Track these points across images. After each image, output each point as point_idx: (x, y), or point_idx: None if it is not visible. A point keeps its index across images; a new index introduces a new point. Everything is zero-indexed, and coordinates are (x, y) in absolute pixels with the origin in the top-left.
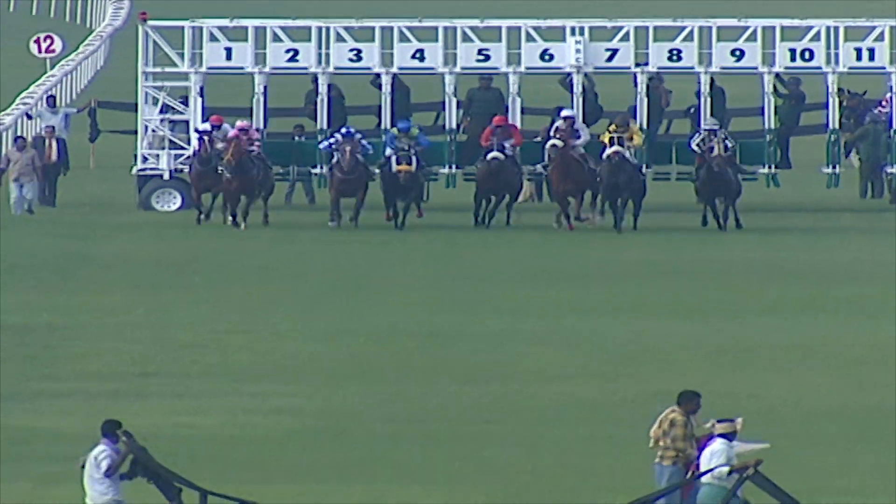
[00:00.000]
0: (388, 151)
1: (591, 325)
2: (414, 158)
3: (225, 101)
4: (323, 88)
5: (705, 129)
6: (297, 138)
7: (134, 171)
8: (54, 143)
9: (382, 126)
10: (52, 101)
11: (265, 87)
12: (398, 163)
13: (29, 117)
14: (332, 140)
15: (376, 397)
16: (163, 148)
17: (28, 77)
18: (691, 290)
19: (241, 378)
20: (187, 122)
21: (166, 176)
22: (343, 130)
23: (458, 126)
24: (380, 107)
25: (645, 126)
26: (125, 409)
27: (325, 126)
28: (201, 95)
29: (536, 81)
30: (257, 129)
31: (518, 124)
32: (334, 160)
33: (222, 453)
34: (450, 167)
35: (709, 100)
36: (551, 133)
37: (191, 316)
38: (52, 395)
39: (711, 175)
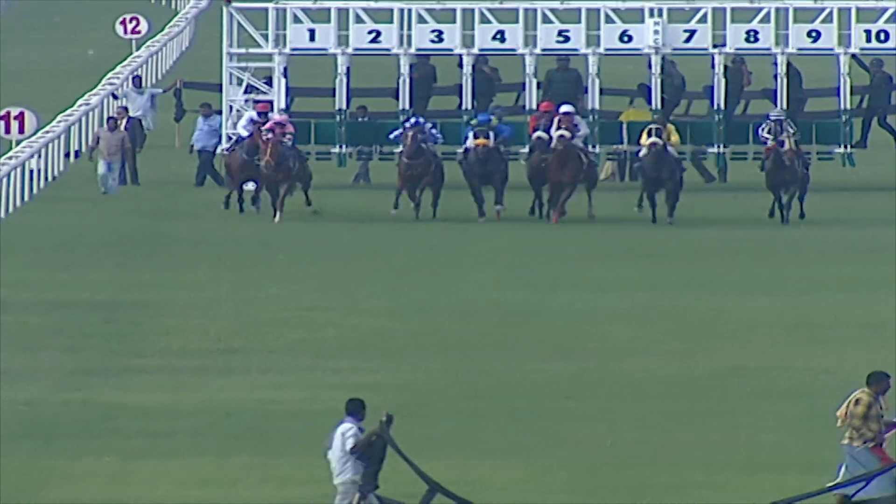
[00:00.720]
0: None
1: (668, 302)
2: (492, 136)
3: (308, 82)
4: (405, 69)
5: (772, 119)
6: (360, 119)
7: (219, 150)
8: (124, 123)
9: (463, 106)
10: (137, 81)
11: (348, 68)
12: (476, 137)
13: (115, 97)
14: (399, 130)
15: (457, 373)
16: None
17: (114, 58)
18: (767, 267)
19: (325, 354)
20: (271, 103)
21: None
22: (412, 119)
23: (537, 107)
24: (460, 86)
25: (722, 106)
26: (209, 384)
27: (406, 106)
28: (285, 76)
29: (615, 63)
30: (289, 118)
31: (597, 105)
32: (400, 148)
33: (305, 428)
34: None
35: (785, 80)
36: (553, 129)
37: (274, 293)
38: (138, 371)
39: (780, 167)
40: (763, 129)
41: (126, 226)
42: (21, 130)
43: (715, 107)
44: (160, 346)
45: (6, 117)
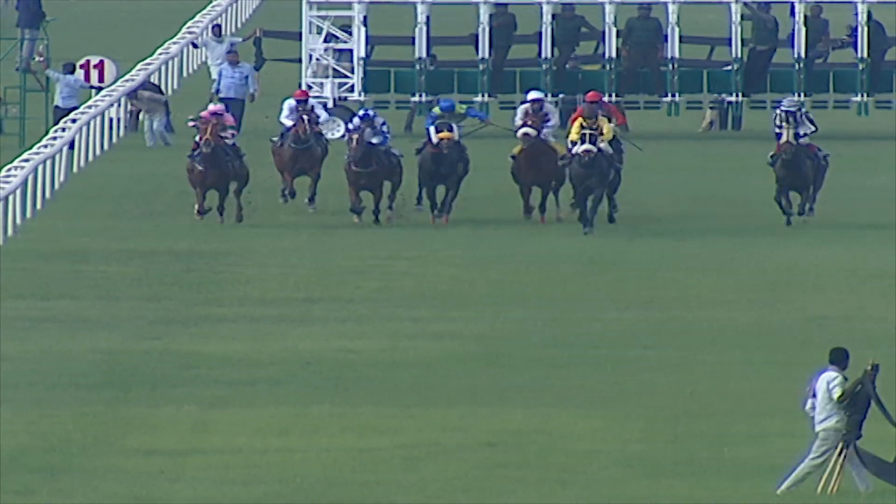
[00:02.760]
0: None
1: (748, 251)
2: (457, 130)
3: (387, 31)
4: (484, 17)
5: (783, 110)
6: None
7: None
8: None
9: (543, 55)
10: (217, 30)
11: (427, 17)
12: (438, 131)
13: (195, 46)
14: (348, 125)
15: (536, 322)
16: (327, 76)
17: (194, 7)
18: (847, 215)
19: (404, 303)
20: (351, 51)
21: (330, 104)
22: (360, 112)
23: (617, 55)
24: (540, 35)
25: (803, 55)
26: (289, 333)
27: (486, 55)
28: (365, 25)
29: (695, 11)
30: (232, 114)
31: (677, 54)
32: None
33: (385, 378)
34: (610, 95)
35: (865, 30)
36: (518, 117)
37: (354, 242)
38: (217, 320)
39: (783, 164)
40: (775, 121)
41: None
42: (101, 79)
43: (795, 56)
44: (239, 295)
45: (86, 66)
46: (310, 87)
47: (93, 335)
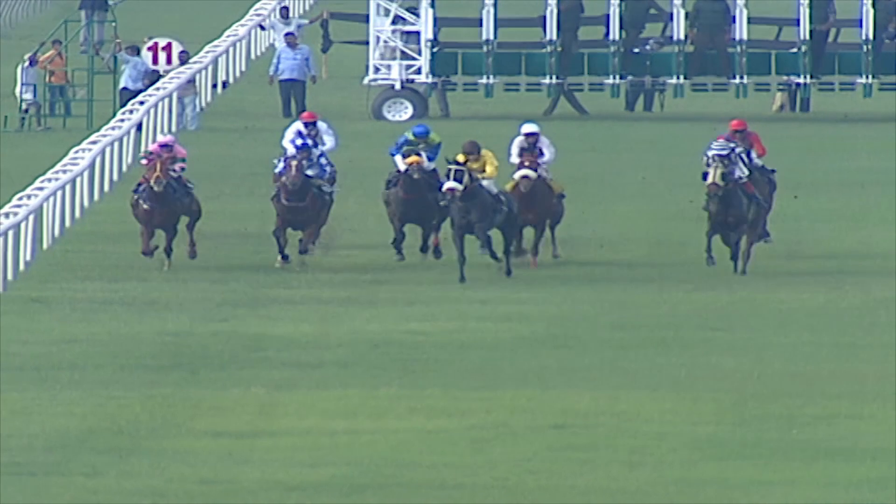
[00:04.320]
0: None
1: (817, 233)
2: (426, 158)
3: (455, 12)
4: (552, 0)
5: (714, 155)
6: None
7: (366, 81)
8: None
9: (611, 37)
10: (285, 12)
11: None
12: (405, 157)
13: (262, 28)
14: (283, 157)
15: (604, 304)
16: (394, 58)
17: None
18: None
19: (472, 285)
20: (418, 33)
21: (398, 86)
22: (298, 142)
23: (685, 37)
24: (608, 17)
25: (871, 36)
26: (357, 315)
27: (554, 37)
28: (432, 6)
29: None
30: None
31: (744, 35)
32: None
33: (453, 359)
34: (677, 77)
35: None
36: (513, 152)
37: None
38: (285, 302)
39: (716, 206)
40: (704, 163)
41: (274, 155)
42: (168, 61)
43: (864, 37)
44: (307, 277)
45: (154, 48)
46: (377, 70)
47: (161, 317)
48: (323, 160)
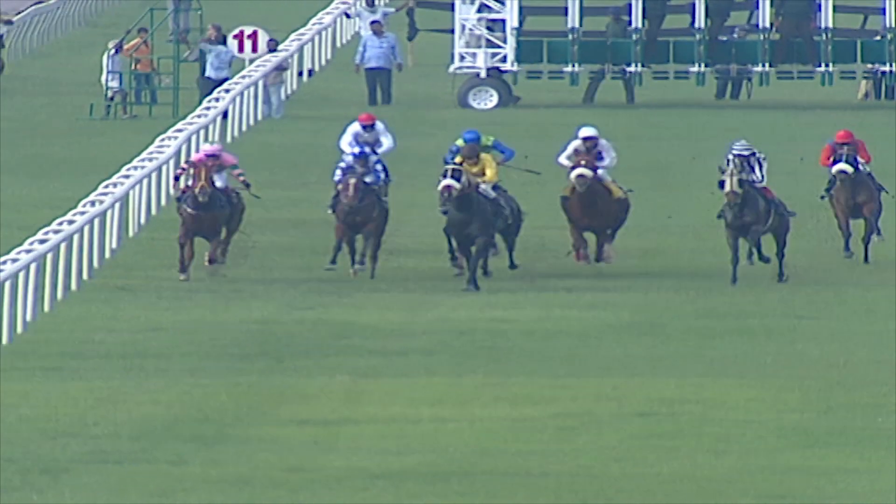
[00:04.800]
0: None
1: None
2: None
3: (540, 1)
4: None
5: (734, 155)
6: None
7: (451, 69)
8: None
9: (697, 25)
10: (371, 0)
11: None
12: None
13: (348, 16)
14: (341, 164)
15: (689, 292)
16: (479, 46)
17: None
18: None
19: (557, 274)
20: (504, 21)
21: (483, 74)
22: (356, 150)
23: (770, 25)
24: (693, 5)
25: (893, 25)
26: (443, 303)
27: (639, 24)
28: None
29: None
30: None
31: (830, 23)
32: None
33: (538, 347)
34: (763, 65)
35: None
36: (566, 157)
37: None
38: (370, 290)
39: (731, 214)
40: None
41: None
42: (254, 49)
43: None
44: (393, 265)
45: (240, 36)
46: (462, 58)
47: (246, 305)
48: (378, 166)
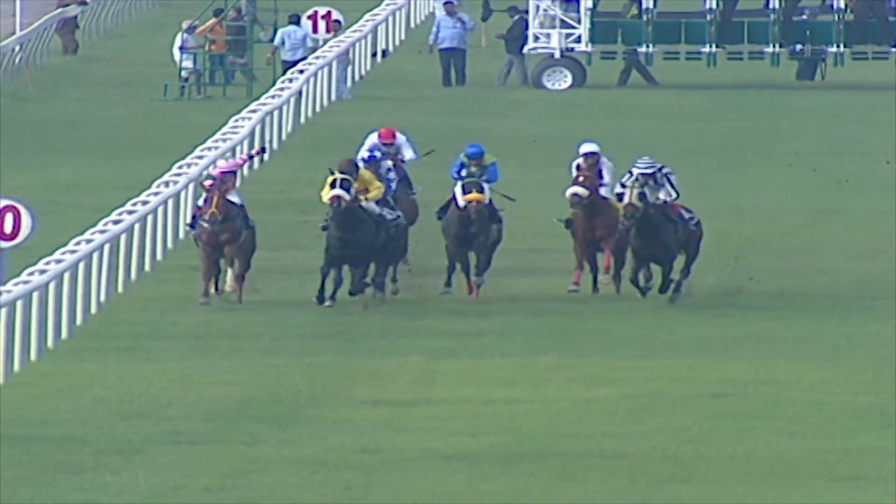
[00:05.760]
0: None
1: None
2: (487, 190)
3: None
4: None
5: (637, 173)
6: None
7: (525, 49)
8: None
9: (771, 6)
10: None
11: None
12: (465, 191)
13: None
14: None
15: (763, 274)
16: (553, 27)
17: None
18: None
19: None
20: (578, 2)
21: (557, 55)
22: (365, 154)
23: (845, 7)
24: None
25: None
26: (516, 285)
27: (713, 6)
28: None
29: None
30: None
31: None
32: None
33: (612, 328)
34: (837, 46)
35: None
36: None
37: None
38: (443, 271)
39: (636, 231)
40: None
41: (433, 125)
42: (328, 30)
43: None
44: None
45: (314, 17)
46: (536, 38)
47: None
48: (392, 174)
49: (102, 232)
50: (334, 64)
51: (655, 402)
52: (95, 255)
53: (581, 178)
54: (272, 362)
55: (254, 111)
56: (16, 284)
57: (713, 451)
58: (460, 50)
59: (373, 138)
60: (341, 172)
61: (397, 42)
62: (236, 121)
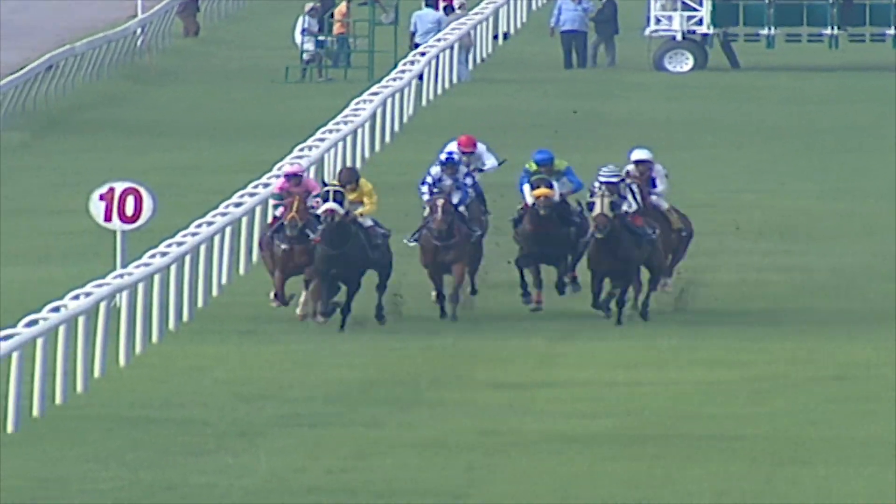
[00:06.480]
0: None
1: None
2: (556, 186)
3: None
4: None
5: (602, 182)
6: None
7: (647, 32)
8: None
9: None
10: None
11: None
12: (533, 187)
13: None
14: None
15: (886, 255)
16: (675, 9)
17: None
18: None
19: (753, 236)
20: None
21: (679, 37)
22: (443, 156)
23: None
24: None
25: None
26: None
27: None
28: None
29: None
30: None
31: None
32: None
33: (735, 312)
34: None
35: None
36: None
37: (702, 175)
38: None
39: (596, 244)
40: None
41: (556, 108)
42: (451, 10)
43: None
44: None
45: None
46: (658, 21)
47: None
48: (469, 180)
49: (223, 214)
50: (455, 46)
51: (777, 384)
52: (216, 238)
53: (634, 187)
54: (393, 345)
55: (375, 94)
56: (137, 267)
57: (835, 434)
58: (581, 32)
59: (452, 147)
60: (341, 183)
61: (519, 24)
62: (357, 103)
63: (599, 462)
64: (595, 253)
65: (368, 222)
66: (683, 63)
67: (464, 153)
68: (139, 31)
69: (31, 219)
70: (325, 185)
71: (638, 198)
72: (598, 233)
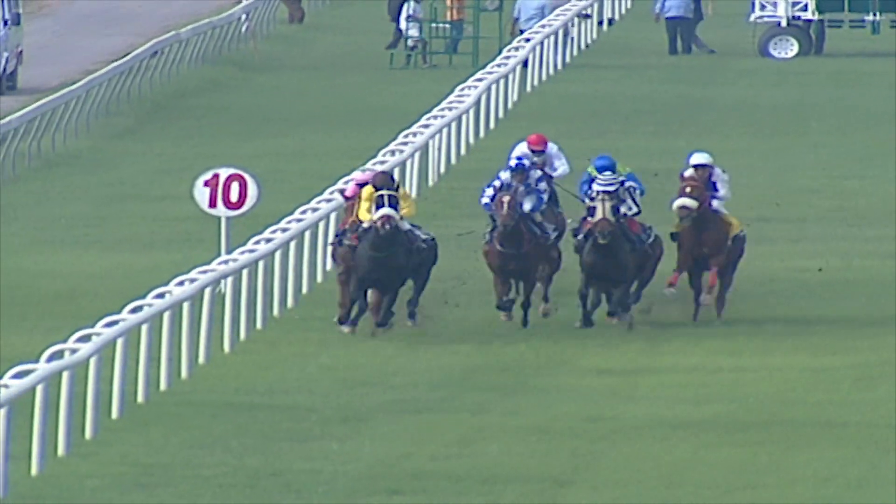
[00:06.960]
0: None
1: None
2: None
3: None
4: None
5: (599, 191)
6: None
7: (752, 18)
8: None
9: None
10: None
11: None
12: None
13: None
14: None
15: None
16: None
17: None
18: None
19: (857, 223)
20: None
21: (784, 23)
22: (513, 163)
23: None
24: None
25: None
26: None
27: None
28: None
29: None
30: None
31: None
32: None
33: (838, 298)
34: None
35: None
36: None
37: (807, 161)
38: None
39: (594, 249)
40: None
41: (660, 94)
42: None
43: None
44: None
45: None
46: (763, 7)
47: None
48: (542, 185)
49: (328, 200)
50: (560, 32)
51: (882, 371)
52: (321, 224)
53: (688, 189)
54: (498, 331)
55: (480, 80)
56: (241, 253)
57: None
58: (686, 18)
59: (522, 147)
60: (376, 187)
61: (623, 10)
62: (462, 89)
63: (703, 448)
64: (593, 258)
65: (406, 226)
66: (788, 49)
67: (533, 151)
68: (244, 17)
69: (135, 205)
70: (377, 189)
71: (638, 201)
72: (601, 238)
